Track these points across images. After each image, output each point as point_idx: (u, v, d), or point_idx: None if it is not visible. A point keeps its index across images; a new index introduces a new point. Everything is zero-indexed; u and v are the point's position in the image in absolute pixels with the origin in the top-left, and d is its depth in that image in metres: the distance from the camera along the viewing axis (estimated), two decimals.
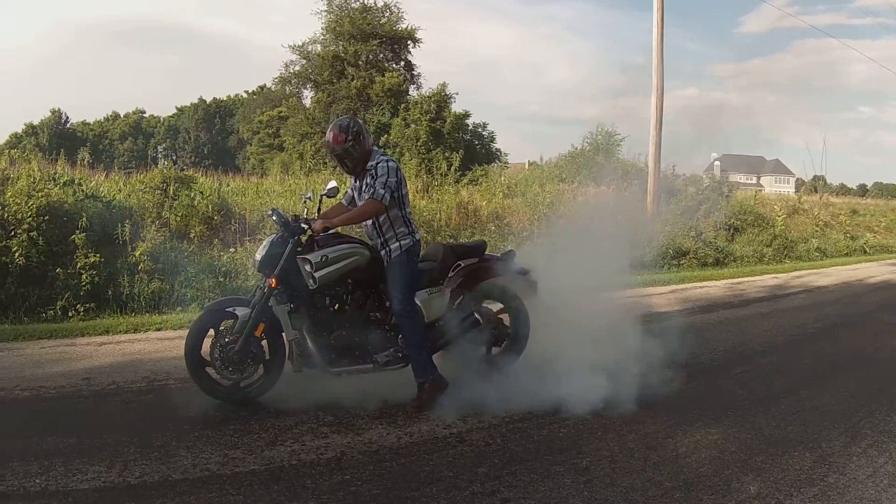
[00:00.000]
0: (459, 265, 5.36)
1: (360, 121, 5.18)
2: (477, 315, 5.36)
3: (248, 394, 5.02)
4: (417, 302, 5.07)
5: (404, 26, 31.69)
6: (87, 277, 8.55)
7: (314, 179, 16.09)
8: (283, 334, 4.99)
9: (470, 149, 27.84)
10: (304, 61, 32.51)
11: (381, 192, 4.86)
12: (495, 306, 5.69)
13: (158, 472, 3.83)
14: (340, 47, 31.15)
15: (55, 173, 10.93)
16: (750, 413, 5.01)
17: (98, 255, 8.82)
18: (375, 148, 5.16)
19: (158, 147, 41.72)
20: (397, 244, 5.03)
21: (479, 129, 30.85)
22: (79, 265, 8.70)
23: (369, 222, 5.08)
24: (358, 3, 31.13)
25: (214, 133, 49.31)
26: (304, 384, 5.03)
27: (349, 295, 5.12)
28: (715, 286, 11.48)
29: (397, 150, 26.13)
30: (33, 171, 10.18)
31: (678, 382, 5.42)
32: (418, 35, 31.98)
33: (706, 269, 13.40)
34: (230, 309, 5.08)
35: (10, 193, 9.16)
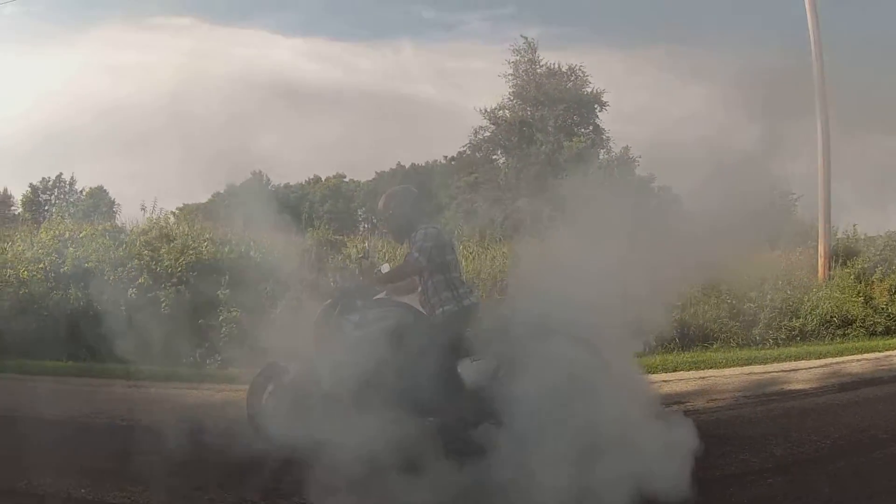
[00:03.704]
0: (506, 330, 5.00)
1: (410, 191, 5.31)
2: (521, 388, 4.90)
3: None
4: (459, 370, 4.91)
5: (590, 90, 31.42)
6: (225, 331, 9.13)
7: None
8: None
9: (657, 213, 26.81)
10: (493, 127, 33.09)
11: (415, 255, 4.91)
12: None
13: None
14: (528, 112, 31.43)
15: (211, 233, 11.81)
16: None
17: (238, 310, 9.37)
18: (427, 221, 5.16)
19: (359, 210, 43.75)
20: (441, 309, 4.99)
21: (664, 193, 29.68)
22: (220, 318, 9.31)
23: (419, 289, 5.10)
24: (543, 67, 31.33)
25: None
26: None
27: None
28: (873, 359, 9.99)
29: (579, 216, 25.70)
30: (188, 229, 11.10)
31: (754, 476, 4.70)
32: (604, 98, 31.57)
33: (874, 339, 11.68)
34: (285, 364, 5.27)
35: (164, 250, 10.06)
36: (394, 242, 8.04)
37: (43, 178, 30.37)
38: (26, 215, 25.77)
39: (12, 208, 28.44)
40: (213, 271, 10.00)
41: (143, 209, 11.91)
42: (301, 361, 5.18)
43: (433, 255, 4.94)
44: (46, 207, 28.84)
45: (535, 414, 4.54)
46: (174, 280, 9.90)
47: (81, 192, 30.16)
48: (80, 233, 11.08)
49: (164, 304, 9.37)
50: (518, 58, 30.85)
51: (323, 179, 41.28)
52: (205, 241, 10.97)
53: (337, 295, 5.10)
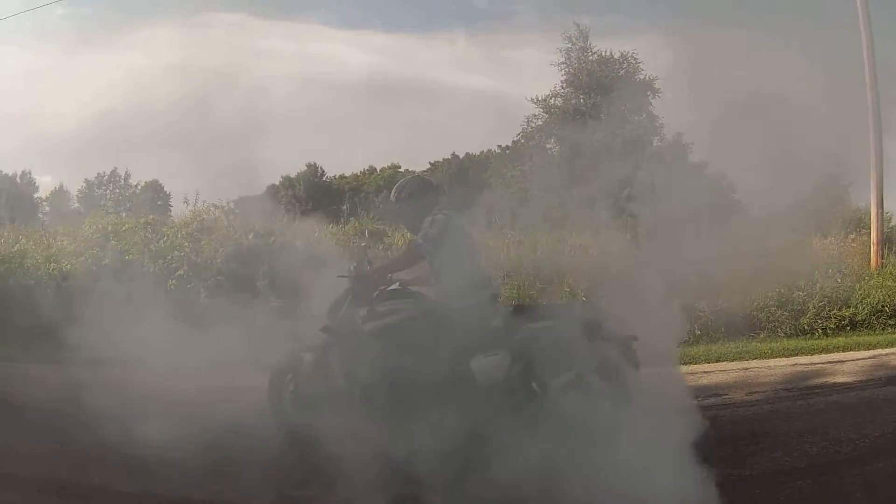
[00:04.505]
0: (528, 327, 4.79)
1: (422, 180, 5.21)
2: (535, 385, 4.72)
3: None
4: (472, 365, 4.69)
5: (643, 77, 30.83)
6: (264, 320, 9.13)
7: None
8: None
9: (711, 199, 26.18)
10: (546, 115, 32.76)
11: (419, 241, 4.78)
12: None
13: None
14: (580, 100, 31.02)
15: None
16: None
17: (281, 299, 9.37)
18: (441, 209, 4.97)
19: None
20: (453, 301, 4.77)
21: (719, 180, 28.96)
22: (259, 309, 9.32)
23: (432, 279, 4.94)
24: (595, 55, 30.84)
25: (468, 187, 51.03)
26: None
27: None
28: None
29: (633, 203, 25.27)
30: (226, 221, 11.17)
31: (783, 478, 4.41)
32: (657, 85, 30.91)
33: None
34: (300, 354, 5.21)
35: (205, 241, 10.12)
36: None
37: (98, 173, 31.06)
38: (81, 210, 26.38)
39: (69, 203, 29.15)
40: (253, 261, 10.02)
41: (186, 202, 12.04)
42: (315, 352, 5.10)
43: (439, 243, 4.74)
44: (102, 202, 29.43)
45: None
46: (214, 271, 9.95)
47: (136, 186, 30.72)
48: (123, 226, 11.26)
49: (203, 295, 9.42)
50: (569, 45, 30.46)
51: (378, 170, 41.36)
52: (249, 232, 11.04)
53: (347, 286, 4.98)
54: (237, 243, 10.40)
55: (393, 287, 5.01)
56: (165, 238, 10.75)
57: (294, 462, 4.70)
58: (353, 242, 11.37)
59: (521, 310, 5.11)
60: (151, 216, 12.54)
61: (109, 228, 11.07)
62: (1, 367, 7.71)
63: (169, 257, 10.27)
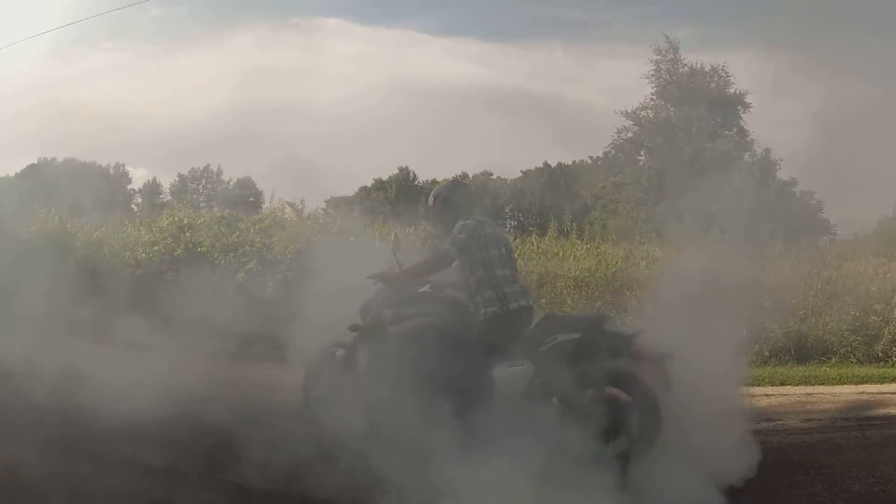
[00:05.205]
0: (556, 339, 4.62)
1: (460, 185, 5.16)
2: (556, 400, 4.53)
3: None
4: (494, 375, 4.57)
5: (733, 90, 29.94)
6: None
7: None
8: None
9: (799, 218, 25.10)
10: (636, 127, 32.24)
11: (446, 246, 4.71)
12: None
13: None
14: (671, 112, 30.38)
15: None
16: None
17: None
18: (474, 215, 4.88)
19: (505, 208, 43.80)
20: (483, 311, 4.70)
21: (807, 199, 27.72)
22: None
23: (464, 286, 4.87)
24: (686, 67, 30.13)
25: (560, 197, 50.65)
26: None
27: None
28: None
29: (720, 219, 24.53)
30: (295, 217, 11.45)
31: None
32: (747, 99, 29.94)
33: None
34: (334, 349, 5.25)
35: (276, 238, 10.39)
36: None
37: (192, 168, 32.13)
38: (174, 203, 27.34)
39: (160, 196, 30.27)
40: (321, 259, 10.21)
41: (261, 201, 12.42)
42: (346, 349, 5.13)
43: (469, 248, 4.65)
44: (194, 196, 30.49)
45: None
46: (283, 266, 10.17)
47: (229, 182, 31.65)
48: (199, 220, 11.64)
49: (269, 289, 9.66)
50: (660, 57, 29.96)
51: (470, 177, 41.56)
52: (318, 231, 11.26)
53: (378, 288, 4.99)
54: (307, 240, 10.58)
55: (424, 289, 4.98)
56: (238, 233, 11.06)
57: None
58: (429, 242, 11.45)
59: (550, 318, 4.99)
60: (227, 210, 12.91)
61: (185, 221, 11.45)
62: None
63: (240, 251, 10.56)
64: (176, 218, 11.60)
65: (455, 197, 5.02)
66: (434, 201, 5.07)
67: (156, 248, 10.50)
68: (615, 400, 4.53)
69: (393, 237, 5.62)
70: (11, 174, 20.40)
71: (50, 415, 5.03)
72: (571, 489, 3.92)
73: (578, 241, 14.58)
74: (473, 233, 4.67)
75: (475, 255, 4.68)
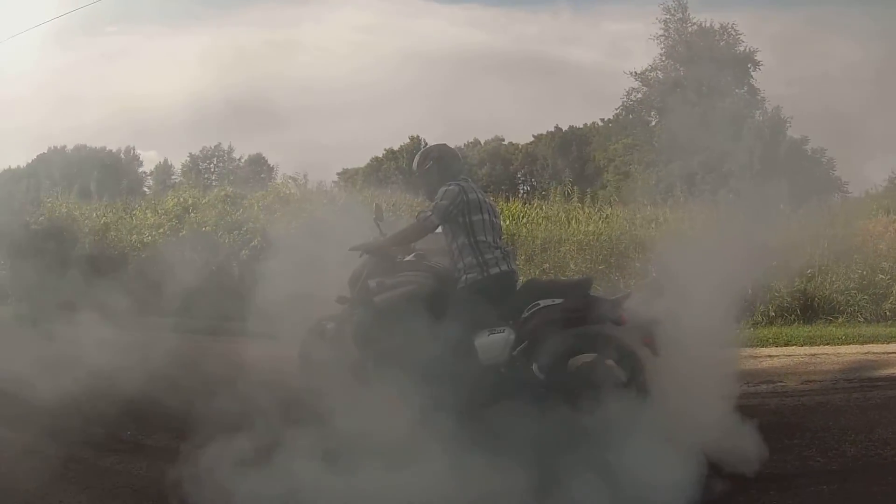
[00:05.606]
0: (538, 304, 4.56)
1: (445, 148, 5.00)
2: (536, 368, 4.44)
3: None
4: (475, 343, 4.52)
5: (742, 49, 29.44)
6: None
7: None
8: None
9: (810, 177, 24.71)
10: (645, 88, 31.86)
11: (427, 213, 4.60)
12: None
13: None
14: (680, 72, 29.97)
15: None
16: None
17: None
18: (457, 180, 4.76)
19: (518, 173, 43.64)
20: (464, 277, 4.62)
21: (818, 156, 27.26)
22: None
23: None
24: (694, 26, 29.68)
25: (572, 160, 50.31)
26: None
27: None
28: None
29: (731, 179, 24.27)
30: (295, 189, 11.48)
31: (806, 480, 4.12)
32: (757, 57, 29.43)
33: None
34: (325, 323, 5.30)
35: (279, 213, 10.44)
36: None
37: (203, 148, 32.12)
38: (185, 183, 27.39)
39: (172, 177, 30.31)
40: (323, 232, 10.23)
41: (264, 176, 12.43)
42: (336, 322, 5.14)
43: (450, 214, 4.56)
44: (206, 175, 30.45)
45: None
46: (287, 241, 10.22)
47: (240, 159, 31.67)
48: (203, 199, 11.68)
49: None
50: (668, 16, 29.57)
51: (482, 143, 41.26)
52: (323, 203, 11.24)
53: (364, 257, 4.95)
54: (310, 213, 10.57)
55: (409, 258, 4.97)
56: (241, 210, 11.09)
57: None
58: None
59: (532, 284, 4.98)
60: (232, 189, 12.91)
61: (190, 202, 11.50)
62: None
63: (244, 228, 10.58)
64: (181, 199, 11.65)
65: (445, 159, 4.88)
66: (420, 164, 4.91)
67: (160, 230, 10.55)
68: (598, 366, 4.46)
69: (374, 207, 5.53)
70: (23, 165, 20.59)
71: None
72: (552, 458, 3.91)
73: (580, 205, 14.41)
74: (456, 198, 4.56)
75: (457, 221, 4.59)
